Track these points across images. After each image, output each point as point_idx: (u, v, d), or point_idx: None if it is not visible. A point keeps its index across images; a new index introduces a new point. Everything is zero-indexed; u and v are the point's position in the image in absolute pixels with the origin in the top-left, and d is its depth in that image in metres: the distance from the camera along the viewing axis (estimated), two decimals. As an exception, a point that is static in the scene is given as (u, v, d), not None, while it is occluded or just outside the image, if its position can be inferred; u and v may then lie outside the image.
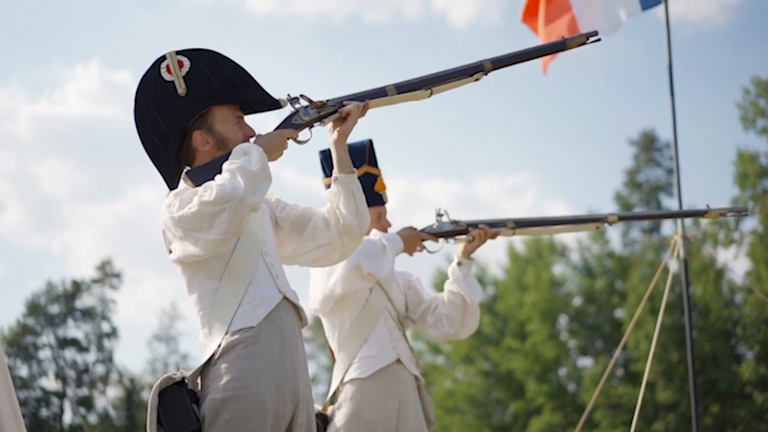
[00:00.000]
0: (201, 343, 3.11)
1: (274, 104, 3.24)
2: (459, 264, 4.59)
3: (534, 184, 44.81)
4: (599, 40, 3.48)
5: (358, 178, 3.29)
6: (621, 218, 4.78)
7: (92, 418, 33.79)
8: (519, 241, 28.10)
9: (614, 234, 28.41)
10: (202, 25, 46.38)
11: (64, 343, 33.91)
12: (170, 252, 3.12)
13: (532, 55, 3.52)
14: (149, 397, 2.94)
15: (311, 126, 3.23)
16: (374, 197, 4.40)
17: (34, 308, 33.81)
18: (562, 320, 27.05)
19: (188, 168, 3.18)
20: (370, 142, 4.49)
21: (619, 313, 26.23)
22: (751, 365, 21.62)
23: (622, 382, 24.68)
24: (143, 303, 45.91)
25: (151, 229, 46.30)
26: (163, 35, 45.54)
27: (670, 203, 28.69)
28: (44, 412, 32.99)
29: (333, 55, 47.94)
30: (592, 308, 26.78)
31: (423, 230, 4.54)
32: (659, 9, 7.87)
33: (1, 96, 45.58)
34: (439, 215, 4.55)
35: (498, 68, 3.43)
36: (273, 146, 3.13)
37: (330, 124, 3.25)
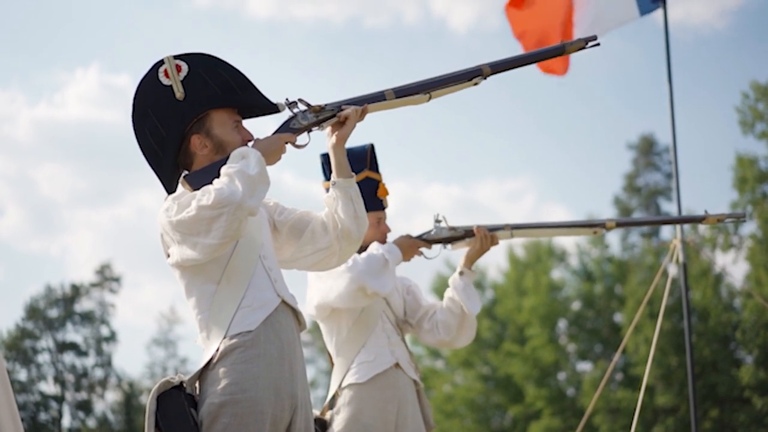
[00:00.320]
0: (199, 347, 3.11)
1: (273, 108, 3.24)
2: (461, 273, 4.58)
3: (533, 189, 44.87)
4: (598, 44, 3.48)
5: (359, 183, 3.29)
6: (619, 224, 4.79)
7: (91, 422, 33.75)
8: (518, 245, 28.13)
9: (613, 238, 28.46)
10: (202, 28, 46.46)
11: (63, 347, 33.88)
12: (168, 256, 3.11)
13: (531, 59, 3.53)
14: (147, 401, 2.93)
15: (309, 130, 3.23)
16: (375, 202, 4.40)
17: (33, 312, 33.78)
18: (562, 324, 27.04)
19: (186, 172, 3.18)
20: (372, 147, 4.48)
21: (618, 318, 26.22)
22: (751, 369, 21.61)
23: (622, 386, 24.67)
24: (142, 307, 45.91)
25: (151, 233, 46.25)
26: (163, 39, 45.61)
27: (669, 207, 28.72)
28: (43, 416, 32.95)
29: (333, 60, 48.01)
30: (591, 312, 26.78)
31: (421, 236, 4.53)
32: (658, 13, 7.87)
33: (1, 99, 45.65)
34: (438, 221, 4.55)
35: (497, 73, 3.42)
36: (271, 150, 3.13)
37: (328, 129, 3.25)
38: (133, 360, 55.32)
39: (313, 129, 3.23)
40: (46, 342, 33.85)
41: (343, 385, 4.28)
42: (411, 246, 4.48)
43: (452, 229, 4.54)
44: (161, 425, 2.91)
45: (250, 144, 3.16)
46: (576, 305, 27.26)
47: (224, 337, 3.00)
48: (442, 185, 46.71)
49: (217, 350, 3.00)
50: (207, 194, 2.90)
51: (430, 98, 3.34)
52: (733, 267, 23.86)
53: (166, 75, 3.15)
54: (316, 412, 4.20)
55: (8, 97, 45.59)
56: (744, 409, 22.11)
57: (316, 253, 3.30)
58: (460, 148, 44.57)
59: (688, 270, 7.97)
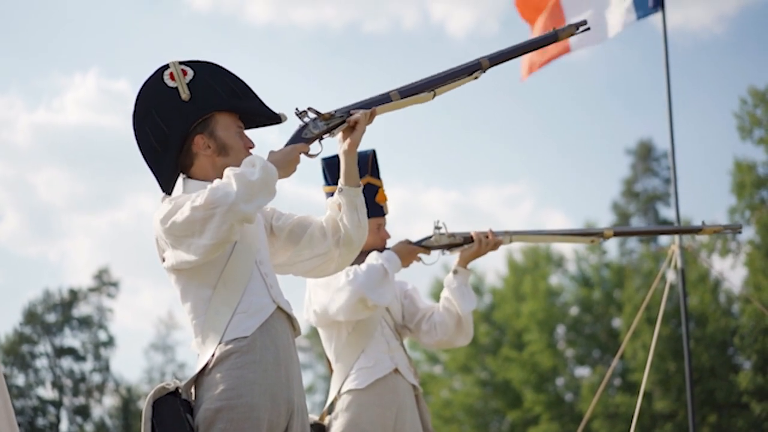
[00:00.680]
0: (194, 352, 3.11)
1: (275, 119, 3.26)
2: (455, 272, 4.59)
3: (532, 194, 44.90)
4: (588, 29, 3.53)
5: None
6: (617, 233, 4.80)
7: (89, 428, 33.73)
8: (517, 251, 28.15)
9: (611, 244, 28.45)
10: (201, 33, 46.50)
11: (61, 351, 33.87)
12: (163, 260, 3.11)
13: (527, 48, 3.56)
14: (143, 407, 2.92)
15: (321, 138, 3.22)
16: (375, 208, 4.40)
17: (31, 317, 33.77)
18: (560, 330, 27.04)
19: (184, 176, 3.18)
20: (373, 153, 4.49)
21: (617, 323, 26.23)
22: (749, 375, 21.60)
23: (620, 391, 24.66)
24: (140, 312, 45.90)
25: (149, 237, 45.82)
26: (161, 44, 45.65)
27: (667, 213, 28.74)
28: (41, 421, 32.92)
29: (332, 64, 48.01)
30: (590, 318, 26.79)
31: (420, 242, 4.54)
32: (657, 18, 7.88)
33: (0, 104, 45.62)
34: (437, 228, 4.55)
35: (495, 65, 3.45)
36: (286, 161, 3.12)
37: (339, 135, 3.25)
38: (131, 365, 55.27)
39: (325, 137, 3.23)
40: (44, 347, 33.85)
41: (343, 390, 4.28)
42: (410, 252, 4.48)
43: (451, 235, 4.55)
44: (157, 431, 2.91)
45: (265, 156, 3.12)
46: (574, 311, 27.26)
47: (220, 343, 3.00)
48: (441, 190, 46.78)
49: (213, 355, 2.99)
50: (201, 194, 2.90)
51: (434, 95, 3.36)
52: (731, 272, 23.90)
53: (172, 78, 3.16)
54: (315, 417, 4.21)
55: (7, 102, 45.66)
56: (742, 414, 22.10)
57: (313, 259, 3.29)
58: (459, 154, 44.64)
59: (686, 275, 7.96)
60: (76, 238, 46.43)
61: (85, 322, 34.38)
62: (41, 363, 33.65)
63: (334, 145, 3.29)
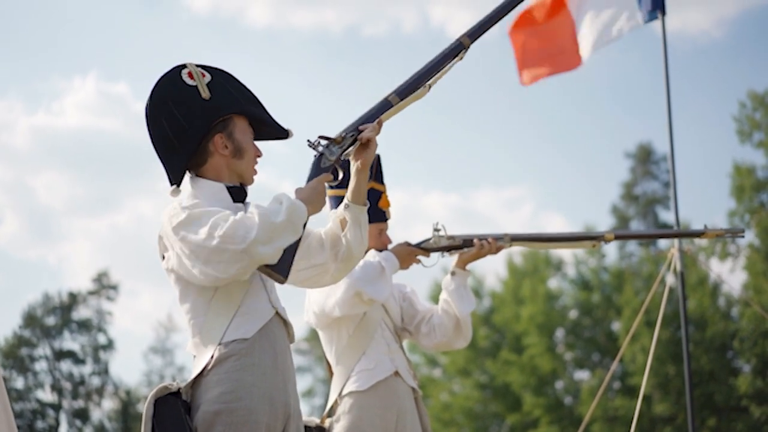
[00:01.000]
0: (190, 353, 3.10)
1: (283, 133, 3.28)
2: (453, 274, 4.59)
3: (531, 197, 44.88)
4: None
5: None
6: (618, 237, 4.79)
7: (88, 431, 33.70)
8: (517, 254, 28.14)
9: (611, 247, 28.46)
10: (201, 36, 46.50)
11: (60, 354, 33.85)
12: (163, 258, 3.10)
13: (501, 13, 3.57)
14: (144, 406, 2.92)
15: (338, 162, 3.22)
16: (377, 213, 4.41)
17: (30, 320, 33.75)
18: (559, 333, 27.03)
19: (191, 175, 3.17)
20: (378, 158, 4.49)
21: (616, 326, 26.22)
22: (748, 378, 21.61)
23: (619, 395, 24.66)
24: (139, 315, 45.84)
25: (148, 241, 46.16)
26: (161, 47, 45.65)
27: (666, 216, 28.75)
28: (40, 424, 32.89)
29: (331, 67, 48.04)
30: (589, 321, 26.78)
31: (419, 245, 4.54)
32: (657, 22, 7.89)
33: (-1, 107, 45.62)
34: (436, 230, 4.55)
35: (475, 39, 3.47)
36: (315, 196, 3.12)
37: (353, 154, 3.24)
38: (131, 368, 55.18)
39: (341, 159, 3.22)
40: (43, 350, 33.83)
41: (344, 392, 4.28)
42: (409, 254, 4.49)
43: (450, 238, 4.55)
44: (157, 430, 2.91)
45: (293, 193, 3.12)
46: (573, 314, 27.26)
47: (219, 344, 3.00)
48: (441, 193, 46.77)
49: (212, 357, 2.99)
50: (222, 224, 2.89)
51: (429, 88, 3.37)
52: (731, 276, 23.89)
53: (190, 76, 3.16)
54: (316, 420, 4.21)
55: (6, 105, 45.65)
56: (742, 418, 22.11)
57: (309, 269, 3.27)
58: (459, 157, 44.63)
59: (686, 279, 7.96)
60: (75, 241, 46.46)
61: (85, 325, 34.36)
62: (40, 366, 33.63)
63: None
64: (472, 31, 3.47)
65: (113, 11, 47.12)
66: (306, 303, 4.36)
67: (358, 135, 3.21)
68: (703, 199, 36.10)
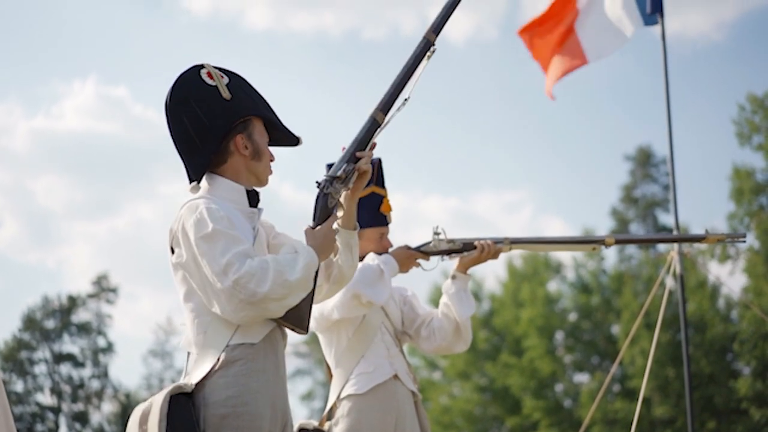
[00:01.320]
0: (187, 351, 3.10)
1: (294, 139, 3.31)
2: (453, 278, 4.60)
3: (531, 200, 44.88)
4: None
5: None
6: (618, 241, 4.78)
7: (87, 434, 33.70)
8: (517, 257, 28.16)
9: (610, 250, 28.37)
10: (201, 39, 46.45)
11: (60, 358, 33.85)
12: (173, 251, 3.09)
13: (456, 3, 3.55)
14: (158, 404, 2.89)
15: (341, 196, 3.26)
16: (378, 218, 4.40)
17: (29, 323, 33.75)
18: (559, 336, 27.04)
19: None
20: (379, 162, 4.48)
21: (615, 329, 26.23)
22: (748, 381, 21.61)
23: (619, 397, 24.66)
24: (139, 318, 45.82)
25: (148, 244, 46.20)
26: (161, 50, 45.67)
27: (666, 219, 28.75)
28: (39, 428, 32.88)
29: (331, 71, 47.99)
30: (588, 324, 26.79)
31: (419, 248, 4.54)
32: (656, 26, 7.91)
33: (-1, 111, 45.62)
34: (436, 233, 4.55)
35: (439, 32, 3.47)
36: (328, 244, 3.15)
37: (352, 184, 3.26)
38: (130, 371, 55.17)
39: (343, 192, 3.25)
40: (42, 353, 33.82)
41: (342, 396, 4.28)
42: (408, 257, 4.49)
43: (450, 241, 4.55)
44: (167, 429, 2.89)
45: (303, 235, 3.14)
46: (573, 317, 27.27)
47: (226, 346, 3.00)
48: (441, 197, 46.76)
49: (218, 359, 2.99)
50: (238, 264, 2.89)
51: (407, 99, 3.35)
52: (731, 278, 23.90)
53: (210, 77, 3.19)
54: (314, 423, 4.20)
55: (6, 109, 45.67)
56: (741, 420, 22.11)
57: None
58: (458, 160, 44.63)
59: (685, 282, 7.96)
60: (75, 245, 46.43)
61: (84, 329, 34.35)
62: (40, 369, 33.65)
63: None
64: (434, 25, 3.47)
65: (113, 14, 47.16)
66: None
67: (356, 165, 3.23)
68: (702, 202, 36.17)
